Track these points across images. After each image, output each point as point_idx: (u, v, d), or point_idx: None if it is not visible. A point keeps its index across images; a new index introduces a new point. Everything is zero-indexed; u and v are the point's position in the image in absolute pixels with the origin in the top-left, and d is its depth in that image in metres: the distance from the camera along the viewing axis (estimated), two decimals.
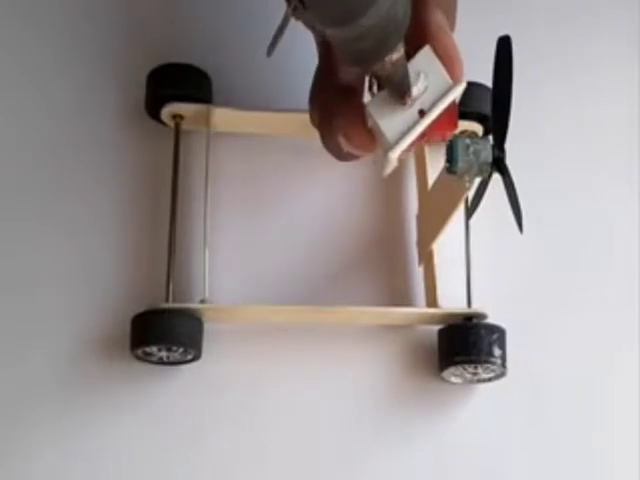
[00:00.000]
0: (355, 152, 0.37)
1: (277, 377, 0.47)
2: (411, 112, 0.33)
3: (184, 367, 0.46)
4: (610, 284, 0.51)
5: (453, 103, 0.34)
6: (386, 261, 0.50)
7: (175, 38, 0.52)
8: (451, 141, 0.37)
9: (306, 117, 0.48)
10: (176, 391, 0.46)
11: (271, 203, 0.50)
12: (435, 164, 0.47)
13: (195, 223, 0.48)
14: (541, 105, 0.54)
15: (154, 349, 0.44)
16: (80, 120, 0.50)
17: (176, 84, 0.48)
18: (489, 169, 0.38)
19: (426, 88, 0.33)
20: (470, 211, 0.41)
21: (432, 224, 0.46)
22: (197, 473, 0.45)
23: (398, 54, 0.32)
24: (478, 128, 0.49)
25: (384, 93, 0.33)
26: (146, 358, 0.45)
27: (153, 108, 0.48)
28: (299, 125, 0.49)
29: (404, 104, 0.33)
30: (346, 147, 0.37)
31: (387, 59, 0.32)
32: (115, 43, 0.52)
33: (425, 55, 0.33)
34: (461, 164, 0.37)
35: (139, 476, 0.45)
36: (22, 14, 0.52)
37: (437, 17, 0.34)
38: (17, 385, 0.45)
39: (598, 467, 0.48)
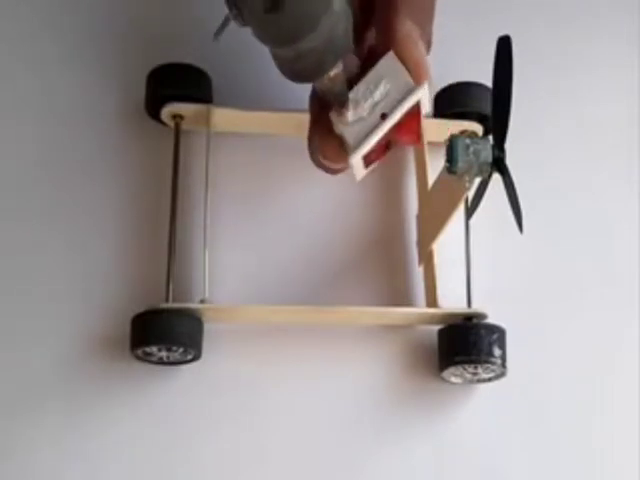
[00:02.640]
0: (334, 166, 0.37)
1: (277, 377, 0.47)
2: (373, 117, 0.34)
3: (184, 367, 0.46)
4: (610, 284, 0.51)
5: (417, 108, 0.34)
6: (386, 261, 0.50)
7: (175, 38, 0.52)
8: (451, 141, 0.37)
9: (306, 117, 0.48)
10: (176, 391, 0.46)
11: (271, 203, 0.50)
12: (435, 164, 0.47)
13: (195, 223, 0.48)
14: (541, 105, 0.54)
15: (154, 349, 0.44)
16: (80, 120, 0.50)
17: (176, 84, 0.48)
18: (489, 169, 0.38)
19: (388, 92, 0.34)
20: (470, 211, 0.41)
21: (432, 224, 0.46)
22: (197, 473, 0.45)
23: (337, 70, 0.34)
24: (478, 128, 0.49)
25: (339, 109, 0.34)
26: (146, 358, 0.45)
27: (153, 108, 0.48)
28: (299, 125, 0.49)
29: (343, 114, 0.34)
30: (327, 164, 0.37)
31: (325, 76, 0.33)
32: (115, 43, 0.52)
33: (388, 60, 0.34)
34: (461, 164, 0.37)
35: (139, 476, 0.45)
36: (22, 14, 0.52)
37: (405, 26, 0.35)
38: (17, 385, 0.45)
39: (598, 467, 0.48)
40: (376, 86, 0.34)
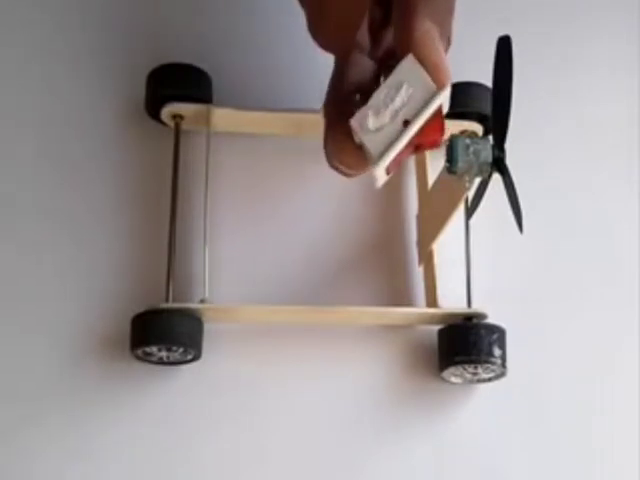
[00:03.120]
0: (351, 173, 0.37)
1: (277, 377, 0.47)
2: (395, 124, 0.33)
3: (184, 367, 0.46)
4: (610, 284, 0.51)
5: (439, 109, 0.33)
6: (386, 261, 0.50)
7: (175, 38, 0.52)
8: (451, 141, 0.37)
9: (306, 117, 0.48)
10: (176, 391, 0.46)
11: (271, 203, 0.50)
12: (435, 164, 0.47)
13: (195, 223, 0.48)
14: (541, 105, 0.54)
15: (154, 349, 0.44)
16: (80, 120, 0.50)
17: (176, 84, 0.48)
18: (489, 169, 0.38)
19: (409, 97, 0.33)
20: (470, 211, 0.41)
21: (432, 224, 0.46)
22: (197, 473, 0.45)
23: None
24: (478, 128, 0.49)
25: (366, 108, 0.33)
26: (146, 358, 0.45)
27: (153, 108, 0.48)
28: (299, 125, 0.49)
29: (364, 122, 0.33)
30: (344, 170, 0.36)
31: None
32: (115, 43, 0.52)
33: (408, 63, 0.33)
34: (461, 164, 0.37)
35: (139, 476, 0.45)
36: (22, 15, 0.52)
37: (424, 26, 0.33)
38: (17, 385, 0.45)
39: (598, 467, 0.48)
40: (397, 91, 0.33)
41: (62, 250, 0.48)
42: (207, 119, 0.48)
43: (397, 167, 0.34)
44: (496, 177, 0.38)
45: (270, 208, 0.50)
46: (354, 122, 0.33)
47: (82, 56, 0.51)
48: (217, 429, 0.46)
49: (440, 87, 0.33)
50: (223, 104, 0.48)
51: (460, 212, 0.44)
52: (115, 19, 0.52)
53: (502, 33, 0.37)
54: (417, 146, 0.34)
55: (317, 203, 0.50)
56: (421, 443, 0.47)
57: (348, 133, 0.34)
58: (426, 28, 0.33)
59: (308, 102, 0.48)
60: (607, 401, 0.49)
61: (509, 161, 0.38)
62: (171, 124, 0.49)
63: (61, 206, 0.48)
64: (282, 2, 0.53)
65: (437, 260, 0.47)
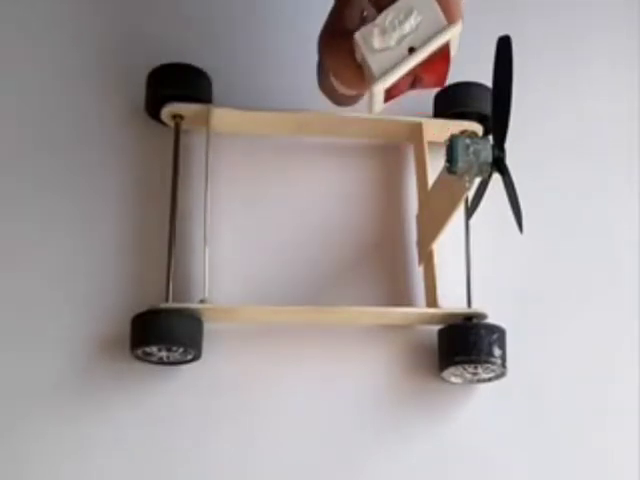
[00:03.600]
0: (347, 92, 0.36)
1: (277, 377, 0.47)
2: (401, 48, 0.32)
3: (184, 367, 0.46)
4: (610, 284, 0.51)
5: (447, 47, 0.33)
6: (386, 261, 0.50)
7: (175, 38, 0.52)
8: (451, 141, 0.37)
9: (306, 117, 0.48)
10: (176, 391, 0.46)
11: (271, 203, 0.50)
12: (435, 164, 0.47)
13: (195, 223, 0.48)
14: (541, 104, 0.54)
15: (154, 349, 0.44)
16: (80, 120, 0.50)
17: (176, 84, 0.48)
18: (489, 169, 0.38)
19: (418, 25, 0.32)
20: (470, 211, 0.41)
21: (432, 224, 0.46)
22: (197, 472, 0.45)
23: None
24: (478, 128, 0.49)
25: (372, 25, 0.33)
26: (146, 358, 0.45)
27: (153, 108, 0.48)
28: (299, 125, 0.49)
29: (370, 37, 0.33)
30: (338, 87, 0.36)
31: None
32: (115, 43, 0.52)
33: None
34: (461, 164, 0.37)
35: (139, 475, 0.45)
36: (22, 15, 0.52)
37: None
38: (18, 385, 0.45)
39: (598, 467, 0.48)
40: (406, 17, 0.32)
41: (62, 250, 0.48)
42: (207, 119, 0.48)
43: (395, 98, 0.34)
44: (496, 177, 0.38)
45: (270, 208, 0.50)
46: (358, 36, 0.33)
47: (82, 56, 0.51)
48: (217, 428, 0.46)
49: (450, 22, 0.32)
50: (223, 104, 0.48)
51: (460, 212, 0.44)
52: (115, 20, 0.52)
53: (502, 33, 0.37)
54: (418, 80, 0.33)
55: (317, 203, 0.50)
56: (421, 443, 0.47)
57: (350, 50, 0.34)
58: None
59: (308, 102, 0.48)
60: (607, 401, 0.49)
61: (509, 161, 0.38)
62: (171, 124, 0.49)
63: (61, 206, 0.48)
64: (282, 2, 0.53)
65: (437, 260, 0.47)
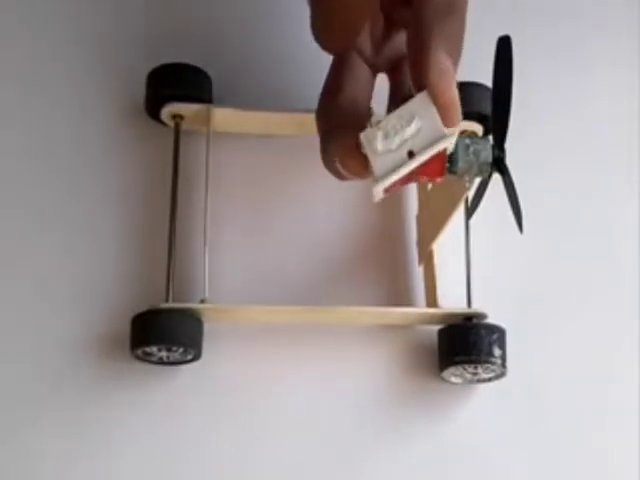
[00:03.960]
0: (351, 177, 0.37)
1: (277, 377, 0.47)
2: (401, 152, 0.34)
3: (184, 367, 0.46)
4: (610, 284, 0.51)
5: (443, 151, 0.34)
6: (386, 261, 0.50)
7: (175, 38, 0.52)
8: None
9: (306, 117, 0.48)
10: (176, 391, 0.46)
11: (271, 203, 0.50)
12: None
13: (195, 223, 0.48)
14: (541, 105, 0.54)
15: (154, 349, 0.44)
16: (80, 120, 0.50)
17: (176, 84, 0.48)
18: (489, 169, 0.38)
19: (419, 131, 0.34)
20: (470, 211, 0.41)
21: (432, 224, 0.46)
22: (197, 473, 0.45)
23: None
24: (478, 128, 0.49)
25: (376, 129, 0.34)
26: (146, 358, 0.45)
27: (153, 108, 0.48)
28: (299, 125, 0.49)
29: (373, 141, 0.34)
30: (342, 172, 0.37)
31: None
32: (115, 43, 0.52)
33: (422, 100, 0.34)
34: (461, 164, 0.37)
35: (139, 475, 0.45)
36: (22, 14, 0.52)
37: (439, 59, 0.34)
38: (17, 385, 0.45)
39: (598, 467, 0.48)
40: (408, 123, 0.34)
41: (62, 250, 0.48)
42: (207, 119, 0.48)
43: (395, 190, 0.35)
44: (496, 177, 0.38)
45: (270, 208, 0.50)
46: (363, 137, 0.34)
47: (82, 56, 0.51)
48: (217, 429, 0.46)
49: (447, 125, 0.34)
50: (223, 104, 0.48)
51: (460, 212, 0.44)
52: (115, 19, 0.52)
53: (502, 33, 0.37)
54: (415, 176, 0.35)
55: (317, 203, 0.50)
56: (421, 443, 0.47)
57: (355, 140, 0.35)
58: (443, 63, 0.34)
59: (308, 102, 0.48)
60: (607, 401, 0.49)
61: (509, 161, 0.38)
62: (171, 124, 0.49)
63: (61, 206, 0.48)
64: (282, 2, 0.53)
65: (437, 260, 0.47)
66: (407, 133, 0.34)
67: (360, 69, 0.39)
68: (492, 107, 0.38)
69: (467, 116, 0.48)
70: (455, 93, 0.34)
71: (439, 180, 0.36)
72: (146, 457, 0.45)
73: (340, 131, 0.36)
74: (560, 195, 0.52)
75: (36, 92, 0.50)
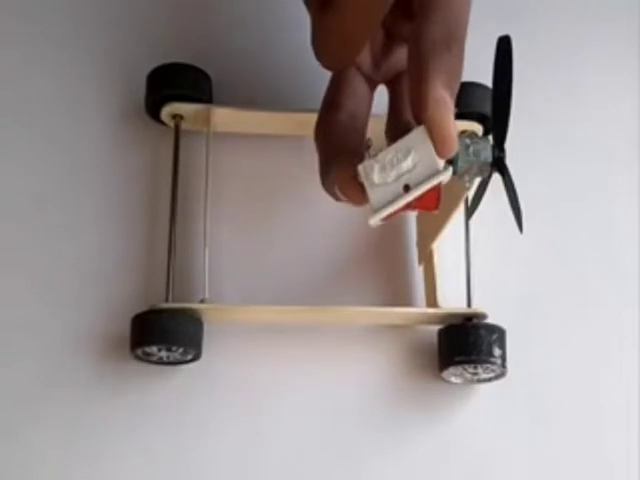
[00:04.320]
0: (350, 203, 0.38)
1: (277, 377, 0.47)
2: (397, 185, 0.34)
3: (184, 367, 0.46)
4: (611, 284, 0.51)
5: (438, 184, 0.35)
6: (386, 261, 0.50)
7: (175, 38, 0.52)
8: None
9: (306, 117, 0.48)
10: (176, 391, 0.46)
11: (271, 203, 0.50)
12: None
13: (195, 223, 0.48)
14: (541, 105, 0.54)
15: (154, 349, 0.44)
16: (80, 120, 0.50)
17: (176, 84, 0.48)
18: (489, 169, 0.38)
19: (415, 166, 0.34)
20: (470, 211, 0.41)
21: (432, 224, 0.46)
22: (197, 473, 0.45)
23: None
24: (478, 128, 0.49)
25: (374, 161, 0.35)
26: (146, 358, 0.45)
27: (153, 108, 0.48)
28: (299, 125, 0.49)
29: (371, 174, 0.35)
30: (343, 200, 0.37)
31: None
32: (115, 43, 0.52)
33: (419, 135, 0.34)
34: (461, 164, 0.37)
35: (139, 476, 0.45)
36: (21, 14, 0.52)
37: (436, 93, 0.34)
38: (17, 385, 0.45)
39: (598, 467, 0.48)
40: (405, 156, 0.34)
41: (62, 250, 0.48)
42: (207, 119, 0.48)
43: (392, 218, 0.36)
44: (496, 177, 0.38)
45: (270, 208, 0.50)
46: (361, 169, 0.35)
47: (82, 56, 0.51)
48: (217, 429, 0.46)
49: (442, 157, 0.34)
50: (223, 104, 0.48)
51: (460, 212, 0.44)
52: (115, 19, 0.52)
53: (502, 33, 0.37)
54: (411, 208, 0.35)
55: (317, 203, 0.50)
56: (421, 443, 0.47)
57: (354, 168, 0.35)
58: (440, 98, 0.34)
59: (308, 102, 0.48)
60: (607, 401, 0.49)
61: (509, 161, 0.38)
62: (171, 124, 0.49)
63: (60, 206, 0.48)
64: (282, 2, 0.53)
65: (437, 260, 0.47)
66: (403, 167, 0.34)
67: (359, 84, 0.39)
68: (492, 107, 0.38)
69: (467, 116, 0.49)
70: (451, 126, 0.34)
71: (434, 212, 0.36)
72: (146, 457, 0.45)
73: (339, 159, 0.37)
74: (560, 195, 0.52)
75: (36, 92, 0.50)
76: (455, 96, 0.35)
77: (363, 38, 0.36)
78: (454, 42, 0.35)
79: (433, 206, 0.36)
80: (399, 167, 0.34)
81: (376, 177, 0.35)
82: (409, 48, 0.36)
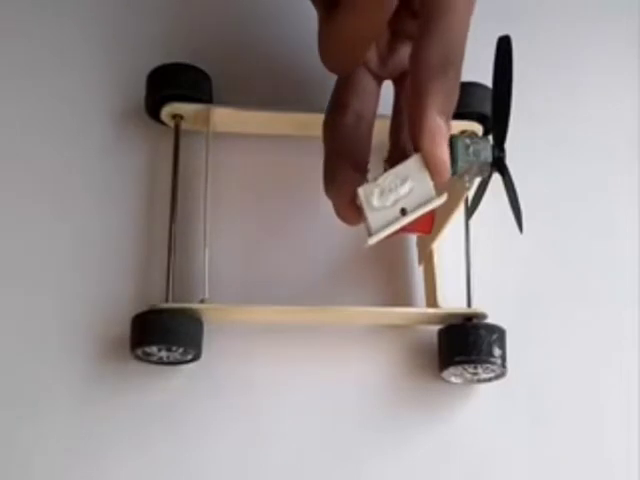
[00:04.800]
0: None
1: (277, 377, 0.47)
2: (394, 209, 0.36)
3: (184, 367, 0.46)
4: (611, 283, 0.51)
5: (433, 210, 0.37)
6: (386, 261, 0.50)
7: (175, 38, 0.52)
8: (451, 141, 0.37)
9: (306, 117, 0.48)
10: (176, 391, 0.46)
11: (271, 203, 0.50)
12: None
13: (195, 223, 0.48)
14: (541, 104, 0.54)
15: (154, 349, 0.44)
16: (80, 120, 0.50)
17: (176, 84, 0.48)
18: (489, 169, 0.38)
19: (411, 191, 0.36)
20: (470, 211, 0.41)
21: None
22: (197, 473, 0.45)
23: None
24: (478, 128, 0.49)
25: (374, 185, 0.36)
26: (146, 358, 0.45)
27: (153, 108, 0.48)
28: (299, 125, 0.49)
29: (370, 198, 0.37)
30: (340, 219, 0.39)
31: None
32: (115, 43, 0.52)
33: (416, 162, 0.36)
34: (461, 164, 0.37)
35: (138, 476, 0.45)
36: (21, 14, 0.52)
37: (432, 122, 0.35)
38: (16, 385, 0.45)
39: (598, 467, 0.48)
40: (402, 182, 0.36)
41: (62, 250, 0.48)
42: (207, 119, 0.48)
43: (387, 239, 0.37)
44: (496, 177, 0.38)
45: (270, 208, 0.50)
46: (361, 192, 0.36)
47: (82, 56, 0.51)
48: (217, 429, 0.46)
49: (438, 182, 0.36)
50: (223, 104, 0.48)
51: (460, 212, 0.44)
52: (115, 19, 0.52)
53: (502, 33, 0.37)
54: (407, 231, 0.37)
55: (317, 203, 0.50)
56: (421, 443, 0.47)
57: (354, 194, 0.37)
58: (436, 126, 0.35)
59: (308, 102, 0.48)
60: (607, 401, 0.49)
61: (509, 161, 0.38)
62: (171, 124, 0.49)
63: (60, 206, 0.48)
64: (283, 2, 0.53)
65: (437, 260, 0.47)
66: (401, 192, 0.36)
67: (366, 82, 0.40)
68: (492, 107, 0.38)
69: (467, 116, 0.49)
70: (445, 155, 0.36)
71: (427, 235, 0.39)
72: (146, 457, 0.45)
73: (341, 177, 0.38)
74: (560, 195, 0.52)
75: (35, 92, 0.50)
76: (451, 115, 0.36)
77: (368, 41, 0.37)
78: (450, 66, 0.36)
79: (427, 229, 0.38)
80: (397, 192, 0.36)
81: (376, 201, 0.36)
82: (409, 70, 0.36)
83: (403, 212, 0.36)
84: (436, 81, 0.35)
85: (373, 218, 0.37)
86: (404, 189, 0.36)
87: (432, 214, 0.38)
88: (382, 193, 0.36)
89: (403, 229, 0.37)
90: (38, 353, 0.46)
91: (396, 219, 0.36)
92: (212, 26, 0.53)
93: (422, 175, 0.36)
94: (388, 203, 0.36)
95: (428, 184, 0.36)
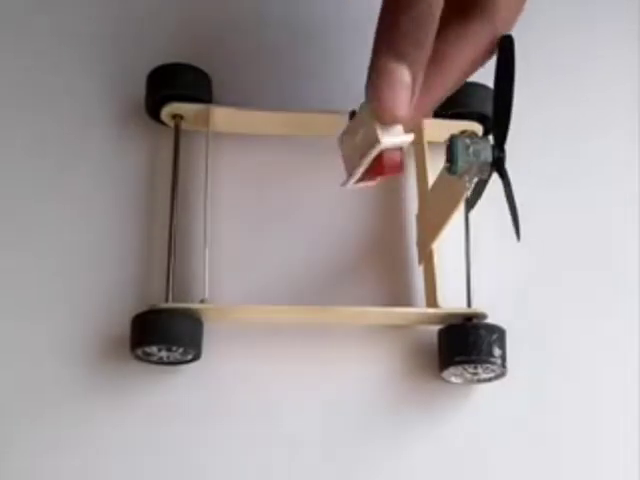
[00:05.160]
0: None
1: (277, 377, 0.47)
2: (355, 156, 0.36)
3: (184, 367, 0.46)
4: (610, 284, 0.51)
5: (400, 149, 0.36)
6: (386, 261, 0.50)
7: (175, 38, 0.52)
8: (451, 141, 0.37)
9: (306, 117, 0.48)
10: (176, 391, 0.46)
11: (271, 203, 0.50)
12: (435, 164, 0.47)
13: (195, 223, 0.48)
14: (542, 104, 0.54)
15: (154, 349, 0.44)
16: (79, 120, 0.50)
17: (176, 84, 0.48)
18: (489, 169, 0.38)
19: (364, 138, 0.36)
20: (470, 204, 0.41)
21: (432, 224, 0.46)
22: (197, 473, 0.45)
23: None
24: (478, 128, 0.49)
25: (344, 132, 0.37)
26: (146, 358, 0.45)
27: (153, 108, 0.48)
28: (299, 125, 0.49)
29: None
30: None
31: None
32: (115, 43, 0.52)
33: (369, 107, 0.35)
34: (461, 164, 0.37)
35: (138, 476, 0.45)
36: (21, 14, 0.52)
37: (380, 65, 0.33)
38: (16, 385, 0.45)
39: (599, 467, 0.48)
40: (359, 128, 0.36)
41: (61, 250, 0.48)
42: (207, 119, 0.48)
43: (370, 183, 0.38)
44: (496, 177, 0.38)
45: (270, 208, 0.50)
46: (338, 139, 0.37)
47: (82, 56, 0.51)
48: (217, 429, 0.46)
49: (381, 123, 0.34)
50: (223, 104, 0.48)
51: (460, 212, 0.44)
52: (115, 19, 0.52)
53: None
54: (379, 175, 0.37)
55: (317, 203, 0.50)
56: (421, 443, 0.47)
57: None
58: (385, 65, 0.33)
59: (308, 102, 0.48)
60: (607, 401, 0.49)
61: (509, 161, 0.38)
62: (171, 124, 0.49)
63: (60, 206, 0.48)
64: (283, 2, 0.53)
65: (437, 260, 0.47)
66: (357, 138, 0.36)
67: None
68: (493, 107, 0.38)
69: (467, 116, 0.49)
70: (388, 100, 0.33)
71: (401, 174, 0.37)
72: (145, 457, 0.45)
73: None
74: (560, 195, 0.52)
75: (35, 92, 0.50)
76: (421, 63, 0.33)
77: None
78: (415, 2, 0.32)
79: (395, 171, 0.36)
80: (356, 138, 0.36)
81: (344, 147, 0.37)
82: None
83: (361, 157, 0.36)
84: (400, 15, 0.31)
85: (344, 160, 0.37)
86: (359, 136, 0.36)
87: (400, 155, 0.36)
88: (347, 139, 0.36)
89: (374, 174, 0.37)
90: (38, 353, 0.46)
91: (354, 167, 0.37)
92: (212, 26, 0.53)
93: (371, 121, 0.35)
94: (350, 150, 0.36)
95: (373, 130, 0.35)
